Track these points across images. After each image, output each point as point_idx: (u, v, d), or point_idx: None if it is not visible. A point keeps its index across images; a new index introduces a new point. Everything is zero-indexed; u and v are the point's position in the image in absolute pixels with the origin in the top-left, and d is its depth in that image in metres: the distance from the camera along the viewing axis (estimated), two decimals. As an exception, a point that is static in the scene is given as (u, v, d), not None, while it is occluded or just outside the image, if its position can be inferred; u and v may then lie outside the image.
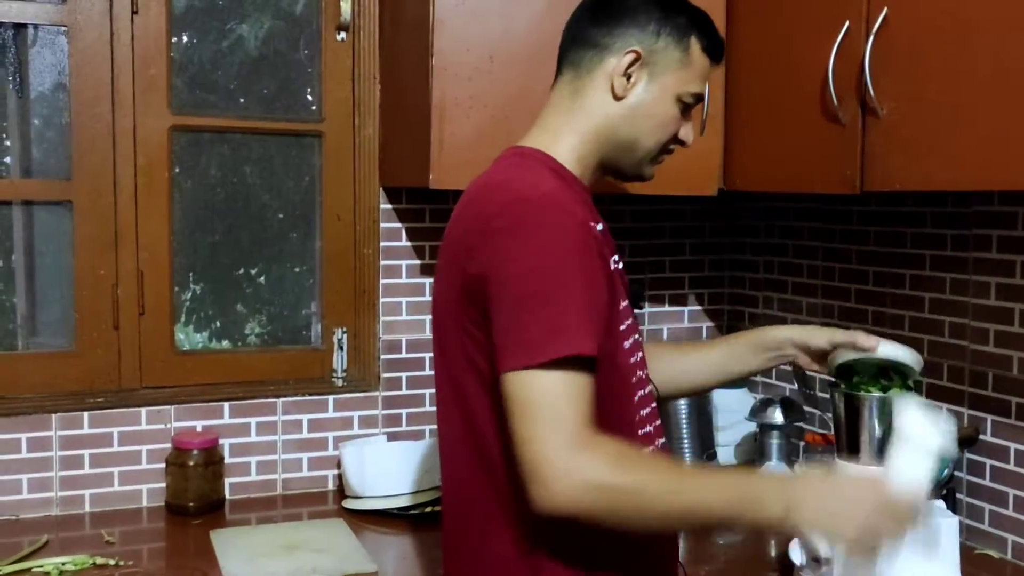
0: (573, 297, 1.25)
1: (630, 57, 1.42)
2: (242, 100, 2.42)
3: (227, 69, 2.40)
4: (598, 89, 1.44)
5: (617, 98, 1.43)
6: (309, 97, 2.46)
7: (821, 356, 1.65)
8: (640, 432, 1.43)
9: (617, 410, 1.38)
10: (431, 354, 2.43)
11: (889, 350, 1.59)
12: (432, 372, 2.42)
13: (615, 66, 1.43)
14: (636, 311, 1.58)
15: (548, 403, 1.21)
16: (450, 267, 1.41)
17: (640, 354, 1.48)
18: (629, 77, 1.43)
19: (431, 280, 2.44)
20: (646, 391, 1.46)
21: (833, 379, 1.66)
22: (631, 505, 1.23)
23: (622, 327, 1.41)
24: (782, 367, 2.51)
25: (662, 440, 1.49)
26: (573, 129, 1.45)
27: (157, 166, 2.29)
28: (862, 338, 1.59)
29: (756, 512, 1.24)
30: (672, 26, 1.44)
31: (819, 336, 1.64)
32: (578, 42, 1.47)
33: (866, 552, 1.24)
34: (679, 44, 1.44)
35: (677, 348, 1.83)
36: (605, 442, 1.24)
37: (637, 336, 1.48)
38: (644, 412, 1.45)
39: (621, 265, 1.49)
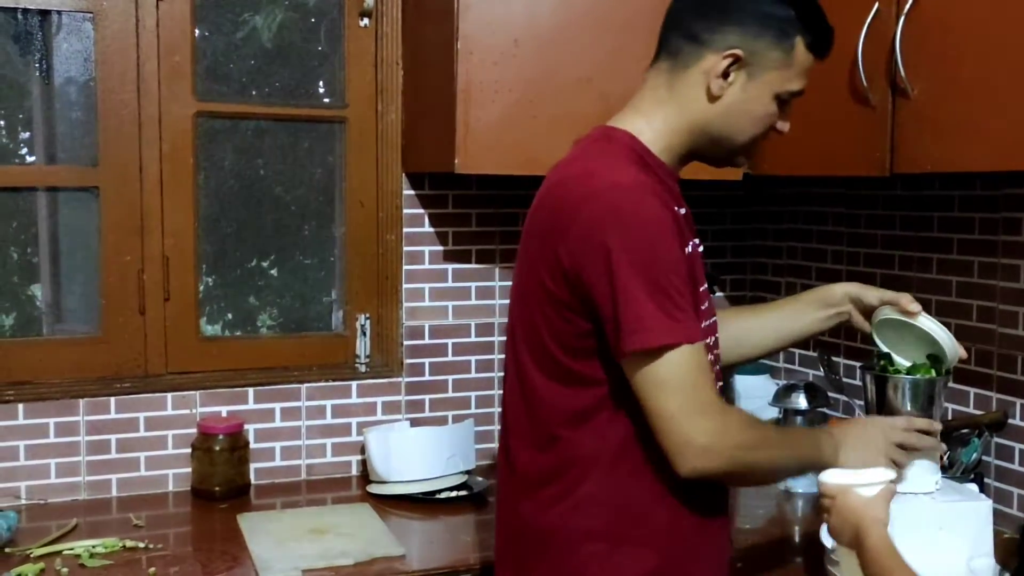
0: (680, 278, 1.34)
1: (728, 60, 1.40)
2: (266, 89, 2.42)
3: (247, 58, 2.40)
4: (695, 86, 1.43)
5: (713, 98, 1.42)
6: (332, 84, 2.46)
7: (871, 313, 1.66)
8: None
9: None
10: (454, 340, 2.49)
11: (929, 324, 1.58)
12: (455, 358, 2.48)
13: (713, 66, 1.41)
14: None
15: (688, 378, 1.32)
16: (537, 254, 1.42)
17: (714, 337, 1.51)
18: (727, 76, 1.41)
19: (454, 266, 2.47)
20: (715, 371, 1.49)
21: (875, 344, 1.66)
22: (760, 459, 1.41)
23: (702, 307, 1.44)
24: (806, 352, 2.52)
25: None
26: (667, 119, 1.45)
27: (182, 152, 2.29)
28: (906, 300, 1.60)
29: (819, 457, 1.48)
30: (776, 25, 1.41)
31: (872, 293, 1.66)
32: (679, 30, 1.44)
33: (899, 467, 1.55)
34: (782, 43, 1.41)
35: (738, 311, 1.84)
36: (732, 408, 1.45)
37: (714, 318, 1.53)
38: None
39: (701, 248, 1.51)
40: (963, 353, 1.62)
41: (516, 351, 1.48)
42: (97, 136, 2.23)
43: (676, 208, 1.42)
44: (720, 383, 1.52)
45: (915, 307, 1.58)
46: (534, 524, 1.44)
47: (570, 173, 1.42)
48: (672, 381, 1.31)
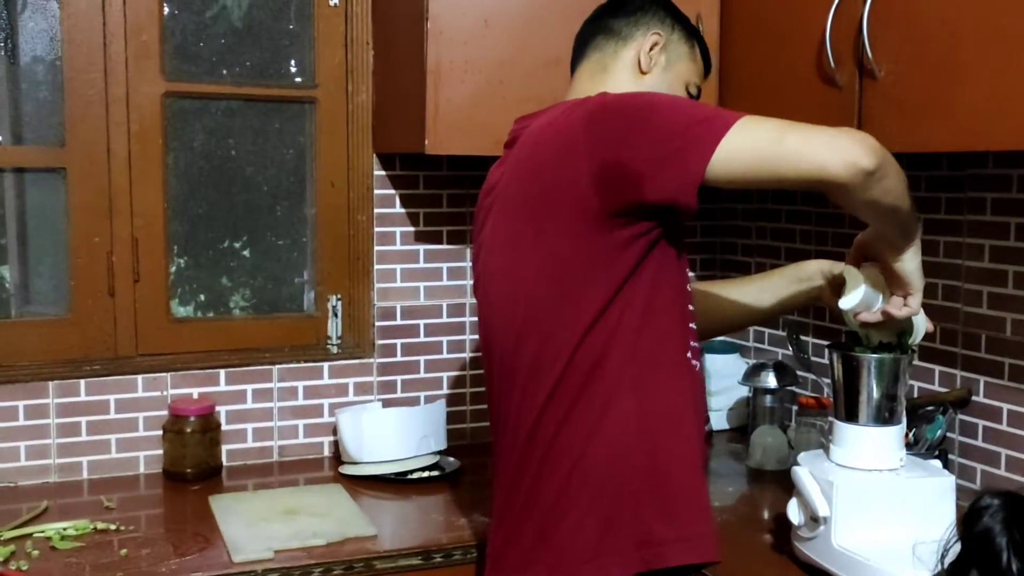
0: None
1: (655, 38, 1.58)
2: (236, 69, 2.40)
3: (217, 37, 2.39)
4: (626, 67, 1.58)
5: (643, 73, 1.58)
6: (302, 64, 2.44)
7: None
8: (689, 347, 1.50)
9: (672, 323, 1.46)
10: (425, 321, 2.49)
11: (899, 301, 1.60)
12: (427, 339, 2.48)
13: (640, 45, 1.58)
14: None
15: (780, 126, 1.31)
16: (543, 194, 1.41)
17: (690, 305, 1.54)
18: (658, 57, 1.58)
19: (425, 247, 2.47)
20: (694, 336, 1.53)
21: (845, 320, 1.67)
22: (895, 170, 1.37)
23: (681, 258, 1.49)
24: (775, 332, 2.54)
25: (700, 361, 1.58)
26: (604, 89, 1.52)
27: (151, 133, 2.27)
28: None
29: (914, 228, 1.50)
30: (682, 25, 1.63)
31: (836, 269, 1.70)
32: (602, 32, 1.61)
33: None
34: (688, 40, 1.62)
35: (709, 284, 1.87)
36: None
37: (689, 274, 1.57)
38: (693, 343, 1.53)
39: None
40: (930, 326, 1.65)
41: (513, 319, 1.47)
42: (64, 116, 2.21)
43: None
44: (697, 362, 1.53)
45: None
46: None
47: (556, 112, 1.46)
48: (775, 130, 1.31)
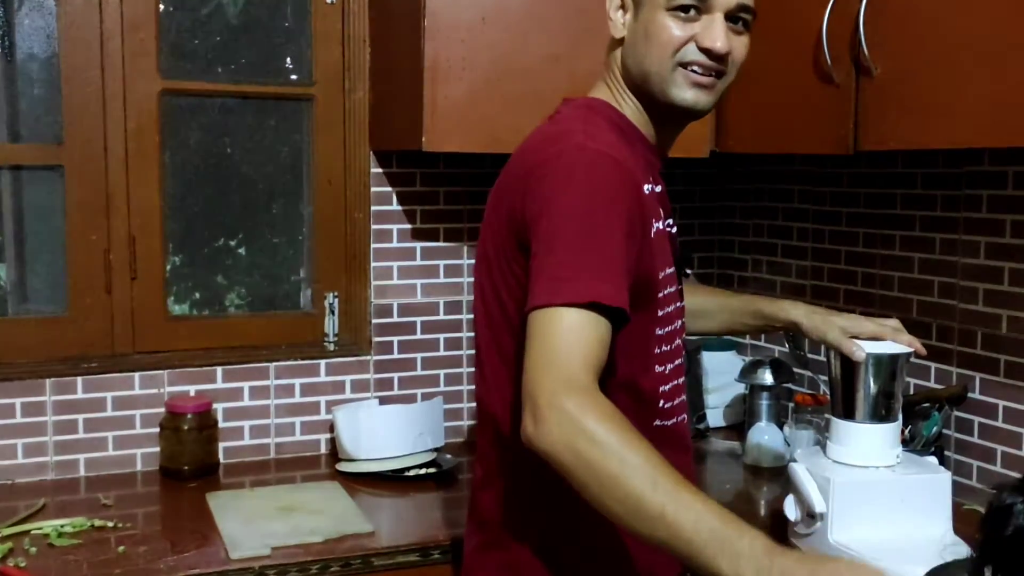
0: (612, 247, 1.23)
1: None
2: (232, 67, 2.40)
3: (213, 35, 2.38)
4: (611, 39, 1.44)
5: (620, 41, 1.42)
6: (299, 62, 2.44)
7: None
8: (660, 396, 1.43)
9: (639, 376, 1.38)
10: (423, 318, 2.49)
11: (878, 347, 1.63)
12: (424, 336, 2.48)
13: (607, 10, 1.42)
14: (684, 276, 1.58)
15: (563, 340, 1.18)
16: (498, 213, 1.39)
17: (676, 325, 1.45)
18: (623, 12, 1.41)
19: (422, 244, 2.47)
20: (672, 366, 1.44)
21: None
22: (608, 470, 1.11)
23: (661, 294, 1.39)
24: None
25: (681, 417, 1.47)
26: (615, 81, 1.45)
27: (147, 130, 2.27)
28: (847, 347, 1.62)
29: (723, 560, 1.06)
30: None
31: (815, 334, 1.66)
32: None
33: None
34: None
35: (691, 290, 1.83)
36: (604, 398, 1.17)
37: (678, 304, 1.47)
38: (666, 388, 1.44)
39: (675, 229, 1.48)
40: (921, 350, 1.65)
41: (477, 322, 1.48)
42: (61, 114, 2.21)
43: (648, 184, 1.38)
44: (680, 380, 1.47)
45: (860, 355, 1.61)
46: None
47: (542, 135, 1.40)
48: (547, 336, 1.18)
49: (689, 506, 1.09)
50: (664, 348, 1.42)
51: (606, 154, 1.29)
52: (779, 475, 2.14)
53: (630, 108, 1.44)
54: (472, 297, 1.58)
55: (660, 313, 1.40)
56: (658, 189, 1.44)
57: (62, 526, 1.86)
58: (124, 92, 2.24)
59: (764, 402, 2.35)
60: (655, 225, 1.37)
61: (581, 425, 1.12)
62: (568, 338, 1.18)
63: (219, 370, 2.32)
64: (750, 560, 1.05)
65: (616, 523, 1.13)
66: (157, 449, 2.24)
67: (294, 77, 2.45)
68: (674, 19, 1.36)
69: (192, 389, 2.29)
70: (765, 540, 1.07)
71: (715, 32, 1.36)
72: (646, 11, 1.38)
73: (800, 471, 1.65)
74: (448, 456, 2.31)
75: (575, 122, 1.38)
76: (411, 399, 2.47)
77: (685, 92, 1.39)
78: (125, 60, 2.23)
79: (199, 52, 2.37)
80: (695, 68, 1.38)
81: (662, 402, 1.43)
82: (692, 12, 1.35)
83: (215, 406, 2.28)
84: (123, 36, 2.23)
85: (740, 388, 2.51)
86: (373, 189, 2.42)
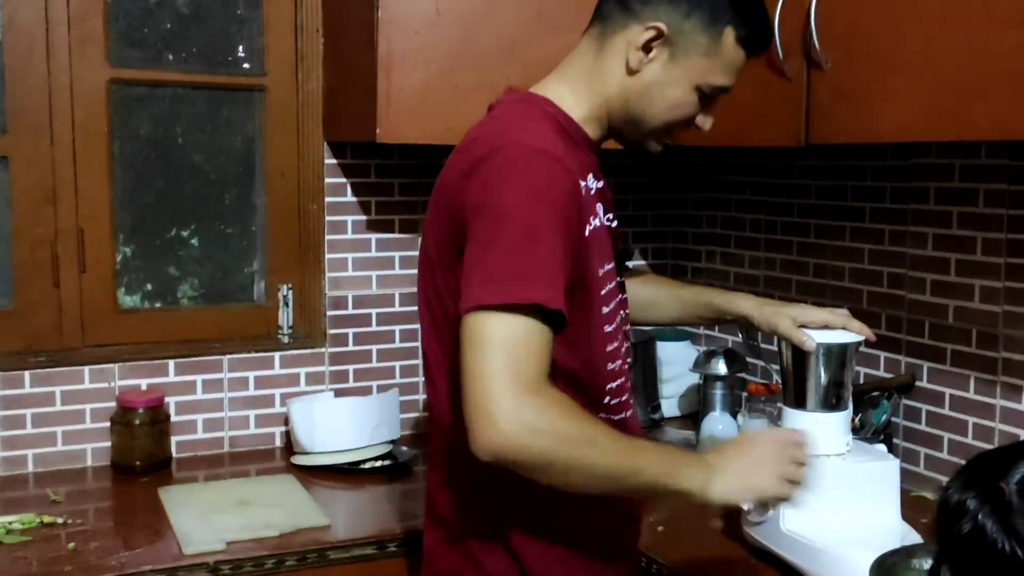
0: (548, 248, 1.22)
1: (651, 33, 1.35)
2: (183, 55, 2.37)
3: (162, 22, 2.35)
4: (617, 55, 1.38)
5: (631, 72, 1.37)
6: (251, 50, 2.41)
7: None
8: (606, 392, 1.43)
9: (583, 375, 1.39)
10: (378, 310, 2.48)
11: (828, 336, 1.64)
12: (379, 328, 2.47)
13: (636, 37, 1.36)
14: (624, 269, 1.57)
15: (505, 344, 1.17)
16: (440, 212, 1.38)
17: (617, 321, 1.44)
18: (649, 51, 1.36)
19: (377, 236, 2.46)
20: (616, 365, 1.44)
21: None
22: (571, 457, 1.20)
23: (601, 292, 1.38)
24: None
25: (629, 412, 1.49)
26: (589, 86, 1.41)
27: (96, 120, 2.23)
28: (797, 337, 1.63)
29: (679, 483, 1.28)
30: (708, 8, 1.35)
31: (766, 326, 1.67)
32: None
33: (778, 500, 1.40)
34: (709, 30, 1.36)
35: (644, 280, 1.84)
36: (555, 392, 1.22)
37: (620, 298, 1.46)
38: (612, 385, 1.44)
39: (615, 224, 1.47)
40: (871, 336, 1.67)
41: (421, 317, 1.47)
42: (5, 104, 2.16)
43: (586, 181, 1.37)
44: (622, 380, 1.47)
45: (810, 344, 1.62)
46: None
47: (482, 132, 1.38)
48: (489, 342, 1.18)
49: (643, 455, 1.29)
50: (610, 346, 1.42)
51: (542, 150, 1.28)
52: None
53: (583, 111, 1.42)
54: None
55: (604, 310, 1.40)
56: (599, 185, 1.43)
57: (10, 523, 1.83)
58: (71, 81, 2.20)
59: (718, 392, 2.38)
60: (593, 222, 1.36)
61: (540, 427, 1.17)
62: (517, 342, 1.18)
63: (171, 363, 2.29)
64: (699, 471, 1.30)
65: (590, 492, 1.27)
66: (108, 444, 2.21)
67: (246, 66, 2.42)
68: (698, 96, 1.39)
69: (144, 383, 2.26)
70: (700, 455, 1.37)
71: (711, 114, 1.44)
72: (679, 72, 1.37)
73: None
74: (404, 448, 2.31)
75: (512, 118, 1.37)
76: (367, 391, 2.46)
77: (656, 147, 1.46)
78: (72, 48, 2.19)
79: (148, 40, 2.33)
80: (677, 132, 1.45)
81: (608, 398, 1.44)
82: (712, 101, 1.41)
83: (167, 400, 2.26)
84: (69, 24, 2.19)
85: (694, 378, 2.54)
86: (327, 180, 2.40)
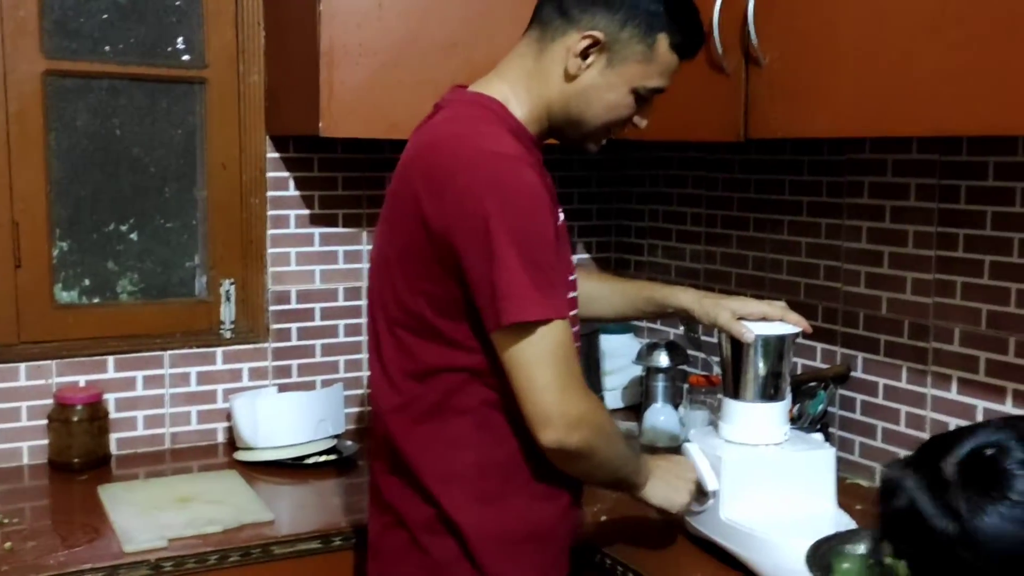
0: (553, 253, 1.34)
1: (587, 42, 1.41)
2: (120, 46, 2.33)
3: (99, 12, 2.31)
4: (557, 61, 1.44)
5: (570, 77, 1.43)
6: (191, 42, 2.38)
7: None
8: None
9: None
10: (321, 304, 2.47)
11: (766, 328, 1.67)
12: (323, 323, 2.46)
13: (574, 44, 1.42)
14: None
15: (560, 353, 1.33)
16: (401, 218, 1.41)
17: (575, 311, 1.52)
18: (587, 57, 1.42)
19: (320, 230, 2.45)
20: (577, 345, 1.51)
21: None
22: (611, 450, 1.44)
23: (570, 278, 1.48)
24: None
25: None
26: (529, 90, 1.46)
27: (31, 113, 2.19)
28: (737, 329, 1.66)
29: (635, 480, 1.54)
30: (643, 18, 1.42)
31: (707, 318, 1.70)
32: (553, 1, 1.45)
33: (685, 510, 1.63)
34: (645, 38, 1.42)
35: (587, 275, 1.88)
36: (595, 397, 1.44)
37: (576, 293, 1.55)
38: None
39: (563, 217, 1.52)
40: (808, 328, 1.70)
41: (374, 315, 1.50)
42: (-64, 95, 2.12)
43: (544, 179, 1.42)
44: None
45: (749, 336, 1.66)
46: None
47: (442, 135, 1.41)
48: (547, 354, 1.32)
49: (630, 452, 1.53)
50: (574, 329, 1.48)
51: (519, 159, 1.35)
52: (675, 455, 2.19)
53: (524, 112, 1.47)
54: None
55: (569, 296, 1.47)
56: (548, 182, 1.47)
57: (-56, 523, 1.80)
58: (4, 73, 2.16)
59: (660, 384, 2.41)
60: (560, 217, 1.45)
61: (599, 423, 1.40)
62: (562, 351, 1.34)
63: (111, 359, 2.26)
64: (644, 473, 1.55)
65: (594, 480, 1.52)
66: (45, 442, 2.17)
67: (186, 59, 2.39)
68: (635, 99, 1.46)
69: (82, 379, 2.23)
70: (647, 460, 1.59)
71: (647, 114, 1.52)
72: (615, 77, 1.44)
73: (694, 450, 1.70)
74: (348, 443, 2.31)
75: (476, 123, 1.41)
76: (311, 386, 2.45)
77: (593, 147, 1.53)
78: (5, 39, 2.15)
79: (84, 31, 2.29)
80: (614, 132, 1.51)
81: None
82: (647, 102, 1.49)
83: (107, 396, 2.23)
84: (2, 15, 2.14)
85: (637, 370, 2.56)
86: (269, 174, 2.39)
